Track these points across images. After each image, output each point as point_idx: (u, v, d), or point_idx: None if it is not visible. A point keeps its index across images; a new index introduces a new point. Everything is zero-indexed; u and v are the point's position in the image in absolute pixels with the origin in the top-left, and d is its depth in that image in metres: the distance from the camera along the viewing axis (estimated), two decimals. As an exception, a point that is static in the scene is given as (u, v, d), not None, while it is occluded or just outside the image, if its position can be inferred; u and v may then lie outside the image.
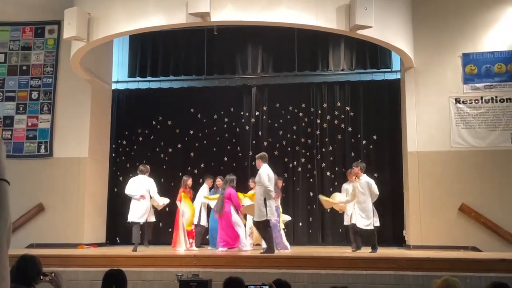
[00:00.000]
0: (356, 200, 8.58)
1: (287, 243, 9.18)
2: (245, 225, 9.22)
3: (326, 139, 11.67)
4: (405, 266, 6.77)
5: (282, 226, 9.86)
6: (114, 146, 12.02)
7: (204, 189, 10.08)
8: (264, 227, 8.17)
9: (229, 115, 12.12)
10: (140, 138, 12.21)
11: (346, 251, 8.77)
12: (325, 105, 11.81)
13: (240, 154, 11.89)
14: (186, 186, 9.49)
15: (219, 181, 9.80)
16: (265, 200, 7.96)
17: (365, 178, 8.63)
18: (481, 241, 9.29)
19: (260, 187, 8.06)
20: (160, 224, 11.10)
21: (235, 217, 9.00)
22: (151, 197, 9.17)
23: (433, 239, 9.45)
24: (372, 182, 8.60)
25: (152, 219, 9.39)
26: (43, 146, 10.50)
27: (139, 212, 9.03)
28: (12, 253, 1.66)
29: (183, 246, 9.19)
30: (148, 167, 9.50)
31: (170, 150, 12.11)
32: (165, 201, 9.52)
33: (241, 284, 3.75)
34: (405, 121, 10.14)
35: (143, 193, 9.04)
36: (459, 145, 9.80)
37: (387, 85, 11.51)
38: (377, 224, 8.73)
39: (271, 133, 11.93)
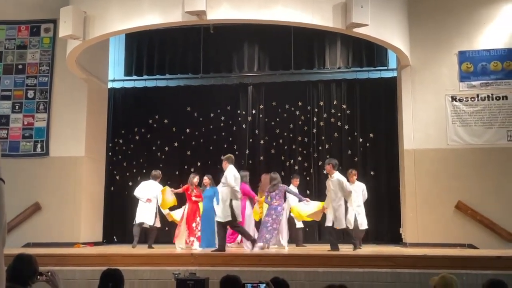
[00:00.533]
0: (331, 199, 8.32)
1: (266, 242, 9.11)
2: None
3: (323, 137, 11.68)
4: (402, 264, 6.78)
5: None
6: (110, 145, 12.00)
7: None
8: (221, 228, 8.20)
9: (226, 114, 12.10)
10: (137, 137, 12.19)
11: (343, 249, 8.77)
12: (321, 103, 11.82)
13: (237, 153, 11.83)
14: (192, 184, 9.44)
15: (206, 180, 9.62)
16: (231, 201, 8.01)
17: (337, 175, 8.37)
18: (478, 239, 9.32)
19: (227, 188, 8.10)
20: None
21: (249, 212, 9.26)
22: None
23: (429, 236, 9.47)
24: (343, 179, 8.36)
25: (158, 224, 9.67)
26: (39, 145, 10.47)
27: (146, 214, 9.40)
28: (8, 252, 1.65)
29: (182, 241, 9.15)
30: (160, 172, 9.84)
31: (166, 148, 12.10)
32: (174, 215, 9.67)
33: (238, 282, 3.75)
34: (402, 119, 10.15)
35: (150, 197, 9.42)
36: (456, 142, 9.82)
37: (383, 83, 11.52)
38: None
39: (268, 132, 11.93)
